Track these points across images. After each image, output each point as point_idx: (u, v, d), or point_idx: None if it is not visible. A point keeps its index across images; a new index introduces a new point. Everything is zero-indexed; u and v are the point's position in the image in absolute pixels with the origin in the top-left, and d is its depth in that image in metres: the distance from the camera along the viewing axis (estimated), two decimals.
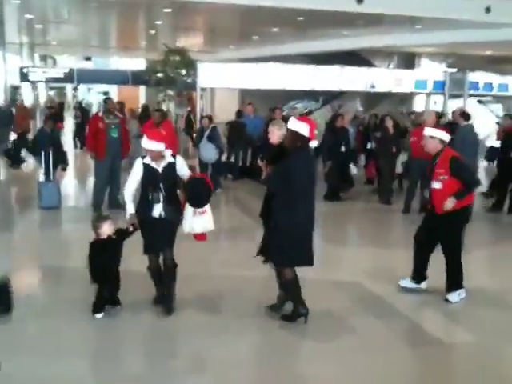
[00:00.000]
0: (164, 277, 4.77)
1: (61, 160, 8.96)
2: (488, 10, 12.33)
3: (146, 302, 4.88)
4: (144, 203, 4.65)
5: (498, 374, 4.07)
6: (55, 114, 15.83)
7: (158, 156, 4.60)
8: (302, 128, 4.40)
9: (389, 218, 8.95)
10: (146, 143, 4.58)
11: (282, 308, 4.82)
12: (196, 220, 4.66)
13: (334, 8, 11.73)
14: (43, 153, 8.72)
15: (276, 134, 4.67)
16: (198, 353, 4.22)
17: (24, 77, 17.92)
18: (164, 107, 17.38)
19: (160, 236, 4.63)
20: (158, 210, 4.61)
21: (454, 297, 5.22)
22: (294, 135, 4.40)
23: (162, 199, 4.59)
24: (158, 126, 8.82)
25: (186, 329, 4.57)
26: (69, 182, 11.12)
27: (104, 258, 4.56)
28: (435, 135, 5.17)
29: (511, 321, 4.96)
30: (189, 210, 4.66)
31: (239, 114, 12.62)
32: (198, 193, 4.66)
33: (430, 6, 11.91)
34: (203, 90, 15.09)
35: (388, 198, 9.70)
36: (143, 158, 4.68)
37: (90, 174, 10.24)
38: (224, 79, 13.76)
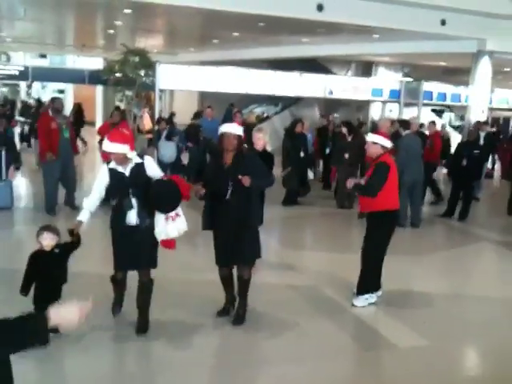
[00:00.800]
0: (138, 295, 4.45)
1: (14, 159, 8.72)
2: (443, 22, 12.72)
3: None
4: (116, 213, 4.31)
5: (449, 377, 4.20)
6: (8, 112, 15.38)
7: (123, 159, 4.22)
8: (241, 132, 4.61)
9: (345, 222, 9.09)
10: (108, 146, 4.18)
11: (231, 310, 4.86)
12: (169, 226, 4.26)
13: (294, 15, 11.85)
14: None
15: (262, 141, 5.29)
16: (158, 358, 4.18)
17: None
18: (122, 107, 17.18)
19: (137, 249, 4.27)
20: (133, 218, 4.26)
21: (359, 301, 5.31)
22: (239, 139, 4.55)
23: (135, 205, 4.23)
24: (116, 125, 8.71)
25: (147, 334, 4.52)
26: (22, 182, 10.82)
27: (43, 272, 4.16)
28: (377, 141, 5.29)
29: (461, 324, 5.13)
30: (160, 216, 4.26)
31: (196, 115, 12.57)
32: (167, 196, 4.20)
33: (388, 17, 12.20)
34: (162, 91, 14.97)
35: (343, 202, 9.87)
36: (108, 163, 4.33)
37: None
38: (183, 81, 13.71)
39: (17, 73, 18.17)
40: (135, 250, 4.29)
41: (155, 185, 4.24)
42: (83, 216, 4.35)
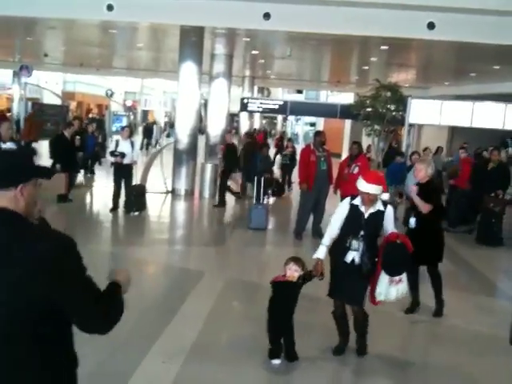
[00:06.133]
0: (354, 326, 4.53)
1: (270, 186, 9.61)
2: None
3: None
4: (339, 246, 4.39)
5: None
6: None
7: (373, 200, 4.24)
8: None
9: None
10: (365, 186, 4.20)
11: None
12: (391, 289, 4.30)
13: None
14: (256, 178, 9.43)
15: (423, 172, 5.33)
16: None
17: (244, 107, 19.48)
18: (369, 141, 17.54)
19: (350, 285, 4.33)
20: (351, 256, 4.31)
21: None
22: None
23: (359, 248, 4.27)
24: (354, 158, 8.89)
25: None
26: (276, 207, 11.75)
27: (282, 301, 4.34)
28: None
29: None
30: (384, 277, 4.27)
31: (437, 151, 12.31)
32: (397, 261, 4.25)
33: None
34: (411, 126, 14.84)
35: None
36: (353, 197, 4.38)
37: (295, 202, 10.69)
38: (434, 116, 13.37)
39: (276, 107, 19.81)
40: (347, 286, 4.34)
41: (388, 248, 4.24)
42: (321, 253, 4.40)
